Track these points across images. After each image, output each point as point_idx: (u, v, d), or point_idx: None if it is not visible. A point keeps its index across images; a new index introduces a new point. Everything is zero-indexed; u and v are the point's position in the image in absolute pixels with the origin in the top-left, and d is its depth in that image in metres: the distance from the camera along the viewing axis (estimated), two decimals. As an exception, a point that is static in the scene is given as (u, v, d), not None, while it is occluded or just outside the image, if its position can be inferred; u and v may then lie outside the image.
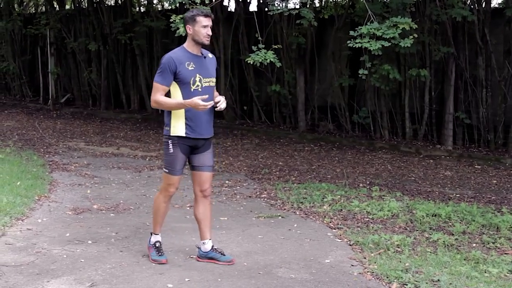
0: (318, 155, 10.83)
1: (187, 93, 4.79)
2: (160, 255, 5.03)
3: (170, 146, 4.88)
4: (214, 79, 4.98)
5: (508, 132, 11.19)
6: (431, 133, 11.99)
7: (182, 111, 4.80)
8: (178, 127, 4.84)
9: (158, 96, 4.79)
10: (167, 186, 5.02)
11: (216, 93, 5.05)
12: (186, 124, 4.82)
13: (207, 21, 4.82)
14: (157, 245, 5.10)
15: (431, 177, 9.14)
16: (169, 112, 4.87)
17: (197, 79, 4.81)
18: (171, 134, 4.86)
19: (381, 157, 10.77)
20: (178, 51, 4.87)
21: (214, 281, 4.63)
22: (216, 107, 4.89)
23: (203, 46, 4.91)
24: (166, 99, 4.82)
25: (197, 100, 4.64)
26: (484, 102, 11.41)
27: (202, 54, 4.93)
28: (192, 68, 4.80)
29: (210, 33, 4.85)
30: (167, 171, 4.96)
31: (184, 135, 4.84)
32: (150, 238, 5.17)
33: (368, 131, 12.66)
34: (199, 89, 4.82)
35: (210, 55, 5.04)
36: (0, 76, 19.54)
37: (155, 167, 9.25)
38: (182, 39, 12.36)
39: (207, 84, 4.88)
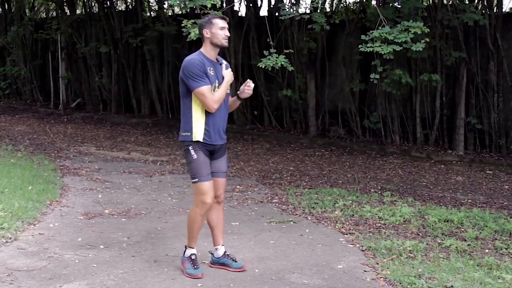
0: (329, 160, 10.81)
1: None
2: (195, 268, 4.83)
3: (192, 152, 4.73)
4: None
5: (519, 137, 11.15)
6: (442, 138, 11.95)
7: (203, 116, 4.72)
8: (198, 132, 4.73)
9: (212, 96, 4.65)
10: (201, 198, 4.75)
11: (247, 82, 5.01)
12: (205, 129, 4.73)
13: (224, 23, 4.78)
14: (192, 258, 4.89)
15: (442, 182, 9.10)
16: (190, 118, 4.73)
17: (217, 85, 4.74)
18: (193, 140, 4.72)
19: (392, 162, 10.73)
20: (198, 56, 4.75)
21: (227, 286, 4.61)
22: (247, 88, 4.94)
23: (222, 49, 4.86)
24: (220, 92, 4.71)
25: (230, 74, 4.82)
26: (495, 107, 11.36)
27: (218, 61, 4.88)
28: (213, 73, 4.73)
29: (228, 34, 4.82)
30: (196, 180, 4.73)
31: (202, 140, 4.73)
32: (185, 251, 4.96)
33: (379, 136, 12.62)
34: None
35: (224, 62, 4.97)
36: (11, 81, 19.64)
37: (166, 171, 9.25)
38: (193, 44, 12.50)
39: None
